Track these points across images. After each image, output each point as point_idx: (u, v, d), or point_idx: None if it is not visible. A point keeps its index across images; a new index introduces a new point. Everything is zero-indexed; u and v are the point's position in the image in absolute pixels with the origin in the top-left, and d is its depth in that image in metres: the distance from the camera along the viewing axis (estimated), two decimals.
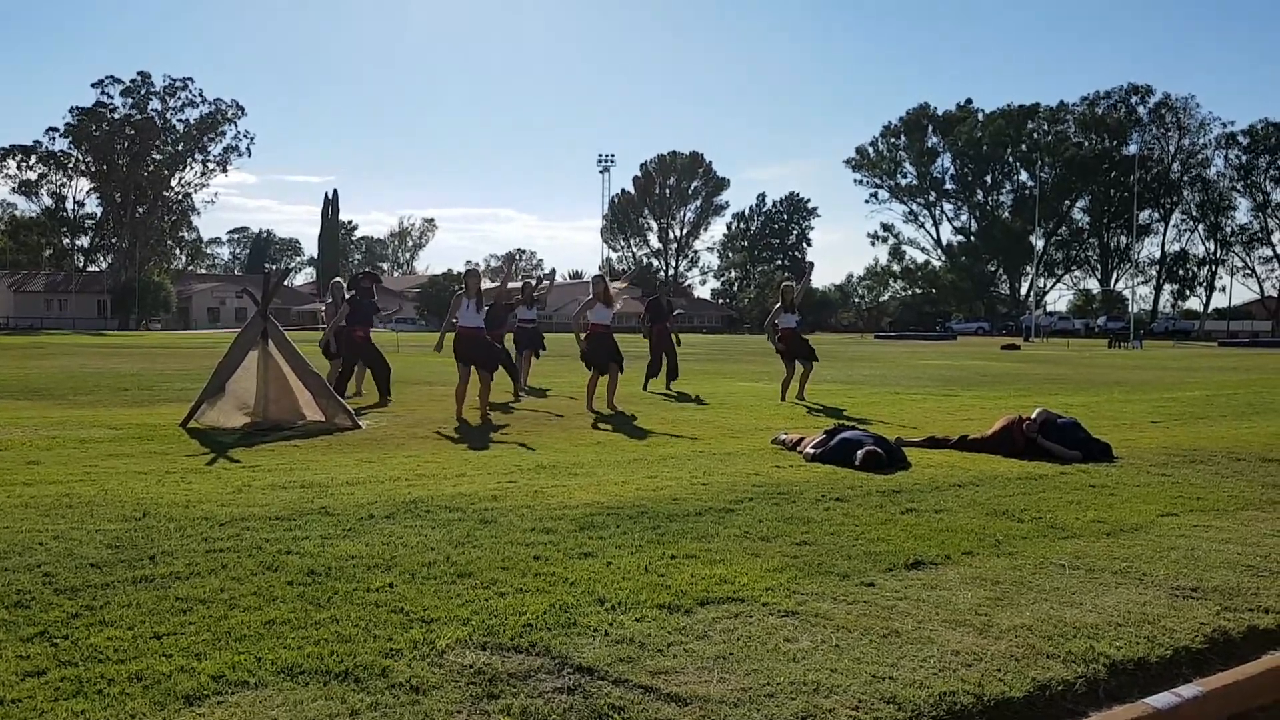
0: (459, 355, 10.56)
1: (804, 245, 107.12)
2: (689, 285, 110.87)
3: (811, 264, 15.08)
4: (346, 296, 12.56)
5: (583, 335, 11.87)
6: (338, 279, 13.33)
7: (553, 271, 21.42)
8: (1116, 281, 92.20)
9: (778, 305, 13.43)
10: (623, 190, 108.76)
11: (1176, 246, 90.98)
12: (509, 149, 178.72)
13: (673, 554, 4.52)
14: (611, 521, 5.18)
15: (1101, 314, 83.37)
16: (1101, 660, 3.32)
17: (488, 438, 8.90)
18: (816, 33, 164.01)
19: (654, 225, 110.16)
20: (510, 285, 13.37)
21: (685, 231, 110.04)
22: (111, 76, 74.51)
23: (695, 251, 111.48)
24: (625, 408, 11.57)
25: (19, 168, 74.49)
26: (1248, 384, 17.82)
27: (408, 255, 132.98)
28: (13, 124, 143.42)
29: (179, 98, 76.35)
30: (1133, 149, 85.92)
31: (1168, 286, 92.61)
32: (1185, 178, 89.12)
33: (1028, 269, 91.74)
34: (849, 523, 5.27)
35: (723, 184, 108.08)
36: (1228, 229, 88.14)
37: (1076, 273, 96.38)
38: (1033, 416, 7.99)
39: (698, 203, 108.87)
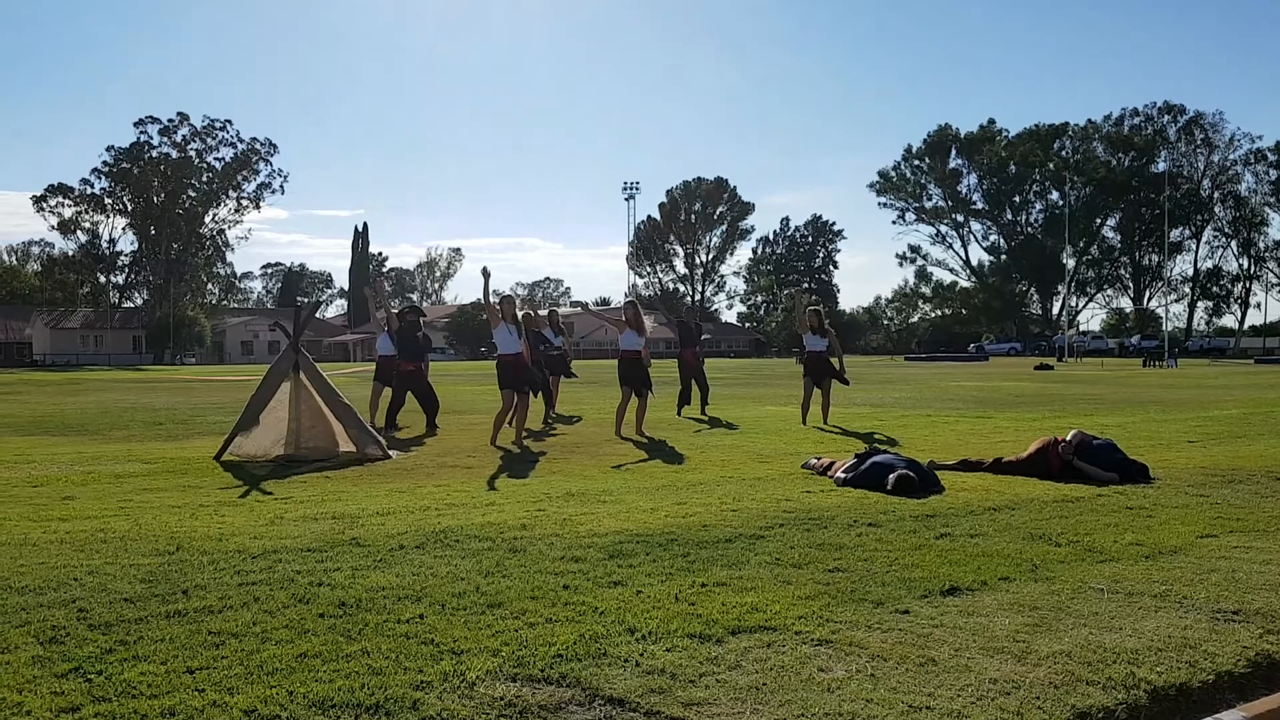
0: (504, 382, 10.82)
1: (830, 268, 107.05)
2: (716, 310, 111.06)
3: (802, 289, 15.31)
4: (395, 326, 13.16)
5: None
6: (394, 310, 13.74)
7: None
8: (1149, 300, 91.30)
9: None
10: (648, 217, 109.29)
11: (1209, 263, 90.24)
12: (533, 179, 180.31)
13: (703, 582, 4.48)
14: (641, 549, 5.15)
15: (1135, 333, 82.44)
16: (1142, 686, 3.26)
17: (516, 466, 8.90)
18: (835, 58, 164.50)
19: (680, 251, 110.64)
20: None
21: (711, 256, 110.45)
22: (151, 117, 76.42)
23: (721, 276, 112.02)
24: (654, 433, 11.55)
25: (58, 208, 76.29)
26: None
27: (436, 285, 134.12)
28: (37, 163, 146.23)
29: (216, 137, 78.09)
30: (1162, 166, 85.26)
31: (1201, 304, 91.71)
32: (1216, 194, 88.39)
33: (1059, 288, 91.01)
34: (882, 548, 5.21)
35: (747, 209, 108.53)
36: (1261, 245, 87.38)
37: (1109, 291, 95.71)
38: (1068, 438, 7.90)
39: (723, 228, 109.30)
